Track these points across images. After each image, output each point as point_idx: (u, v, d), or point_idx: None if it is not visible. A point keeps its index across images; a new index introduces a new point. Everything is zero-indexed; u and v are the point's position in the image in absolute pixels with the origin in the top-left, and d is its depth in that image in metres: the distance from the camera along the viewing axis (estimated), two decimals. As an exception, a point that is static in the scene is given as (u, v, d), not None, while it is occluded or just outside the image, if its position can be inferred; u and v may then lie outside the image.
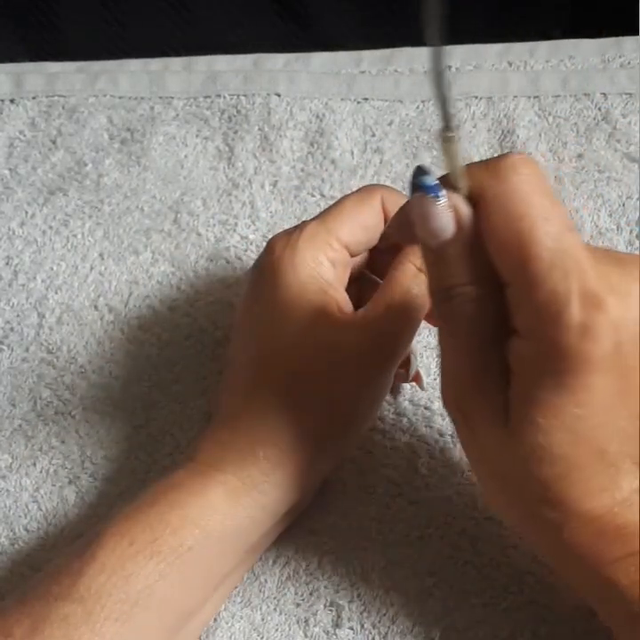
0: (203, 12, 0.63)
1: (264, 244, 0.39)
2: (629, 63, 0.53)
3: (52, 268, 0.48)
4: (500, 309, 0.28)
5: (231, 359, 0.39)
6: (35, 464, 0.42)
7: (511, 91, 0.52)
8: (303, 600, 0.37)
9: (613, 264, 0.28)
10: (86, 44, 0.63)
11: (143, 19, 0.63)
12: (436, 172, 0.28)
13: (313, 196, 0.49)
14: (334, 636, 0.36)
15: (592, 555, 0.29)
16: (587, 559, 0.29)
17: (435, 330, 0.40)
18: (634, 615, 0.29)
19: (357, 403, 0.36)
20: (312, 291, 0.36)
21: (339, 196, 0.41)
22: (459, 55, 0.54)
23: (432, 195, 0.27)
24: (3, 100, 0.55)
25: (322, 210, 0.39)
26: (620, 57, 0.53)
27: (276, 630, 0.36)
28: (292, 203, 0.49)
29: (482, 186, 0.28)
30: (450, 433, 0.40)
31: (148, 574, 0.32)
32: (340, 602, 0.37)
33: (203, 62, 0.57)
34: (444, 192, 0.27)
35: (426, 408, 0.41)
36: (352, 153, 0.51)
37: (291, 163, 0.51)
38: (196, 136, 0.53)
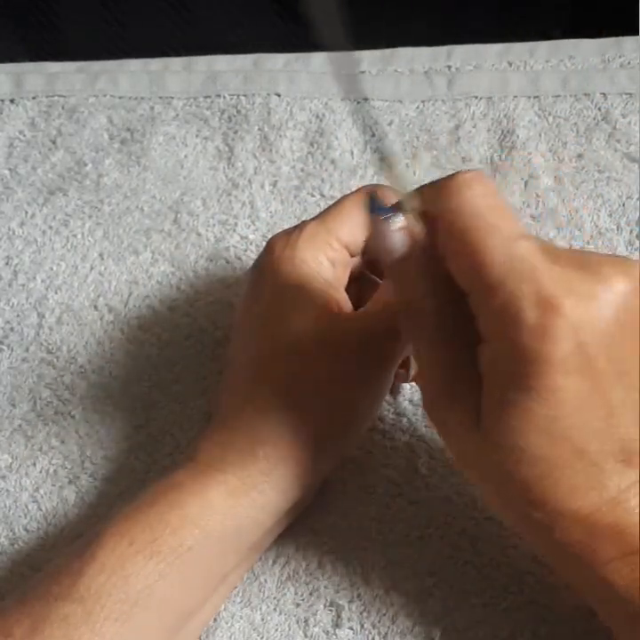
0: (203, 12, 0.63)
1: (264, 243, 0.39)
2: (629, 63, 0.53)
3: (51, 268, 0.48)
4: (468, 317, 0.29)
5: (231, 359, 0.39)
6: (34, 464, 0.42)
7: (511, 91, 0.52)
8: (303, 600, 0.37)
9: (576, 267, 0.28)
10: (86, 43, 0.63)
11: (143, 19, 0.63)
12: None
13: (313, 196, 0.49)
14: (334, 636, 0.36)
15: (587, 555, 0.29)
16: (582, 559, 0.29)
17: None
18: (633, 615, 0.29)
19: (357, 403, 0.36)
20: (312, 290, 0.36)
21: (339, 195, 0.41)
22: (459, 55, 0.54)
23: (383, 217, 0.29)
24: (3, 100, 0.55)
25: (322, 210, 0.39)
26: (619, 57, 0.53)
27: (276, 630, 0.36)
28: (291, 203, 0.49)
29: (435, 204, 0.29)
30: (450, 433, 0.40)
31: (148, 574, 0.32)
32: (340, 602, 0.37)
33: (203, 62, 0.57)
34: (397, 214, 0.29)
35: (426, 408, 0.41)
36: (352, 153, 0.51)
37: (291, 163, 0.51)
38: (196, 136, 0.53)
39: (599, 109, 0.51)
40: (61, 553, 0.34)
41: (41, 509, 0.40)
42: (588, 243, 0.46)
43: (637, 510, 0.29)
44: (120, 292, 0.47)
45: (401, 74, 0.54)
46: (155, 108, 0.54)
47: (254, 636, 0.36)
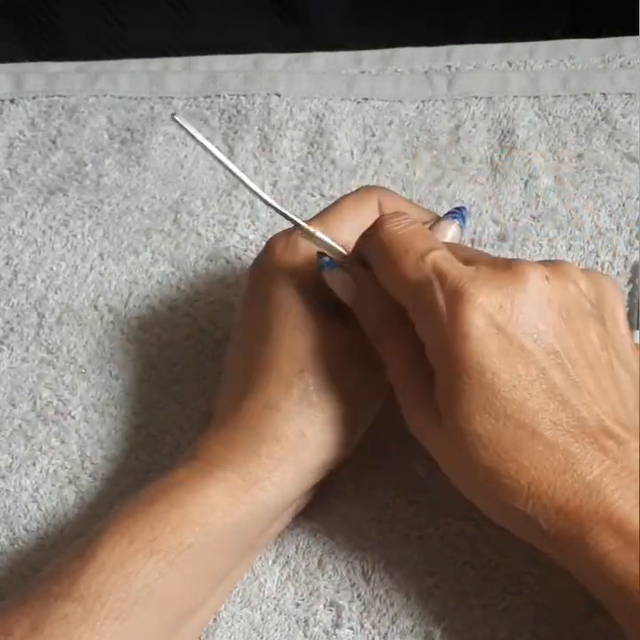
0: (203, 12, 0.63)
1: (264, 243, 0.39)
2: (629, 63, 0.53)
3: (51, 268, 0.48)
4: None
5: (232, 358, 0.39)
6: (34, 464, 0.42)
7: (511, 91, 0.52)
8: (303, 600, 0.37)
9: (488, 264, 0.32)
10: (86, 43, 0.63)
11: (143, 19, 0.63)
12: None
13: (313, 196, 0.49)
14: (334, 636, 0.36)
15: (581, 547, 0.29)
16: (580, 552, 0.29)
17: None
18: (635, 606, 0.29)
19: (358, 402, 0.36)
20: (311, 290, 0.36)
21: (338, 195, 0.41)
22: (459, 55, 0.54)
23: (328, 269, 0.36)
24: (3, 100, 0.55)
25: (321, 210, 0.39)
26: (619, 57, 0.53)
27: (276, 630, 0.36)
28: (291, 203, 0.49)
29: (362, 249, 0.35)
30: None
31: (148, 573, 0.32)
32: (340, 602, 0.37)
33: (203, 62, 0.57)
34: (335, 266, 0.36)
35: (426, 408, 0.41)
36: (352, 153, 0.51)
37: (291, 163, 0.51)
38: (196, 136, 0.53)
39: (599, 109, 0.51)
40: (61, 553, 0.34)
41: (41, 509, 0.40)
42: (588, 243, 0.46)
43: (617, 495, 0.29)
44: (120, 292, 0.47)
45: (401, 74, 0.54)
46: (155, 108, 0.54)
47: (254, 636, 0.36)
